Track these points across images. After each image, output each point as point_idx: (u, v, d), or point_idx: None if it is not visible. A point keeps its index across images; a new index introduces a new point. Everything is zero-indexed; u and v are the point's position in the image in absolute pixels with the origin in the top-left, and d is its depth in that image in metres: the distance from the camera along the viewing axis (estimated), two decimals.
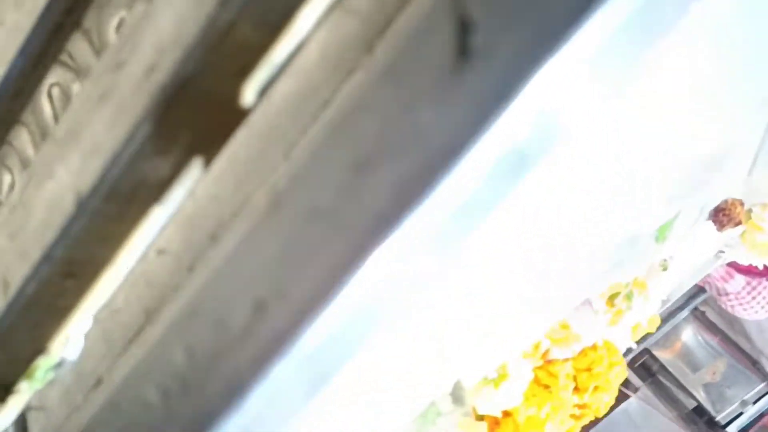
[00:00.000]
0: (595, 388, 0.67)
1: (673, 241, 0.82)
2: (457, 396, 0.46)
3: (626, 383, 2.41)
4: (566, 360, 0.66)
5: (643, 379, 2.51)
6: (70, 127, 0.22)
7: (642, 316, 0.86)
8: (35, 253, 0.22)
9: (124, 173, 0.21)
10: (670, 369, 2.57)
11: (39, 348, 0.26)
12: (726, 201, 0.94)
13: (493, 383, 0.59)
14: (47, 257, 0.22)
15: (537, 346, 0.64)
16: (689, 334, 2.56)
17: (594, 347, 0.68)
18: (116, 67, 0.21)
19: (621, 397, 2.38)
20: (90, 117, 0.22)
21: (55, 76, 0.24)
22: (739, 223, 0.95)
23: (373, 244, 0.15)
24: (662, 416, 2.47)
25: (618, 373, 0.69)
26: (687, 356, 2.59)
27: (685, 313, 2.47)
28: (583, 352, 0.68)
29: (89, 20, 0.25)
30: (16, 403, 0.28)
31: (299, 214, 0.16)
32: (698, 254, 1.19)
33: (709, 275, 2.18)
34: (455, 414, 0.46)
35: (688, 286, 1.35)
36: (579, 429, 0.84)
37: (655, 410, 2.46)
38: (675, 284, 1.27)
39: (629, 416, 2.43)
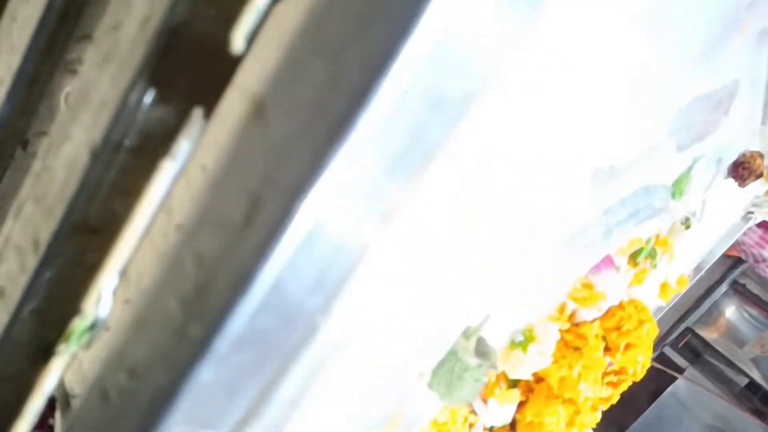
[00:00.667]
0: (627, 346, 0.66)
1: (693, 198, 0.81)
2: (481, 352, 0.46)
3: (672, 365, 2.36)
4: (594, 320, 0.66)
5: (689, 360, 2.45)
6: (80, 92, 0.24)
7: (669, 276, 0.85)
8: (59, 209, 0.24)
9: (131, 123, 0.23)
10: (716, 347, 2.50)
11: (73, 309, 0.28)
12: (744, 154, 0.93)
13: (521, 347, 0.60)
14: (70, 211, 0.24)
15: (562, 309, 0.64)
16: (732, 309, 2.49)
17: (621, 306, 0.68)
18: (114, 29, 0.23)
19: (667, 380, 2.33)
20: (96, 78, 0.24)
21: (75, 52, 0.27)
22: (760, 176, 0.94)
23: (347, 127, 0.16)
24: (714, 396, 2.39)
25: (649, 330, 0.68)
26: (732, 332, 2.52)
27: (725, 287, 2.41)
28: (609, 312, 0.68)
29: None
30: (57, 365, 0.30)
31: (280, 113, 0.17)
32: (725, 216, 1.17)
33: (743, 242, 2.12)
34: (483, 368, 0.46)
35: (720, 251, 1.32)
36: (618, 395, 0.83)
37: (705, 390, 2.39)
38: (706, 249, 1.24)
39: (678, 398, 2.37)
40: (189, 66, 0.23)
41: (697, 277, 1.39)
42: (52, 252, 0.25)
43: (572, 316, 0.66)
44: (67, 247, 0.26)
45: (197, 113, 0.25)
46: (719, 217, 1.17)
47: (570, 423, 0.63)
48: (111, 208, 0.26)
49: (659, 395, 2.34)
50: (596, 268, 0.63)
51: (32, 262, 0.25)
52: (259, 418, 0.26)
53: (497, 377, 0.63)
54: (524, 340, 0.59)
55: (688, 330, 2.49)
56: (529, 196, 0.37)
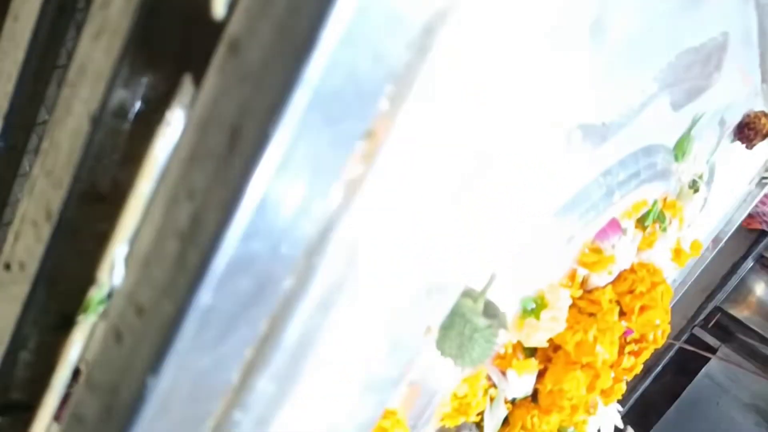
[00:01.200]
0: (642, 308, 0.66)
1: (698, 160, 0.81)
2: (489, 313, 0.47)
3: (704, 346, 2.31)
4: (606, 286, 0.67)
5: (721, 340, 2.40)
6: (77, 68, 0.26)
7: (682, 241, 0.84)
8: (67, 178, 0.26)
9: (126, 89, 0.25)
10: (748, 324, 2.45)
11: (89, 277, 0.30)
12: (748, 114, 0.93)
13: (534, 315, 0.60)
14: (77, 179, 0.26)
15: (573, 276, 0.65)
16: (761, 285, 2.45)
17: (632, 269, 0.68)
18: (104, 6, 0.25)
19: (701, 361, 2.29)
20: (91, 53, 0.26)
21: None
22: (767, 136, 0.93)
23: (311, 46, 0.18)
24: (750, 374, 2.34)
25: (663, 292, 0.68)
26: (763, 307, 2.47)
27: (750, 262, 2.37)
28: (621, 276, 0.68)
29: None
30: (79, 336, 0.31)
31: (252, 46, 0.19)
32: (737, 181, 1.16)
33: (764, 213, 2.09)
34: (492, 328, 0.47)
35: (738, 219, 1.30)
36: (641, 366, 0.83)
37: (740, 369, 2.34)
38: (721, 217, 1.23)
39: (713, 379, 2.33)
40: (176, 34, 0.25)
41: (717, 249, 1.38)
42: (64, 220, 0.27)
43: (584, 283, 0.66)
44: (78, 216, 0.27)
45: (187, 80, 0.27)
46: (731, 183, 1.16)
47: (590, 387, 0.63)
48: (116, 176, 0.28)
49: (693, 378, 2.30)
50: (603, 233, 0.63)
51: (46, 231, 0.27)
52: (266, 363, 0.28)
53: (514, 348, 0.64)
54: (536, 307, 0.59)
55: (717, 309, 2.45)
56: (517, 151, 0.38)
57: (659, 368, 2.44)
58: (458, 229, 0.36)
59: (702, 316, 2.45)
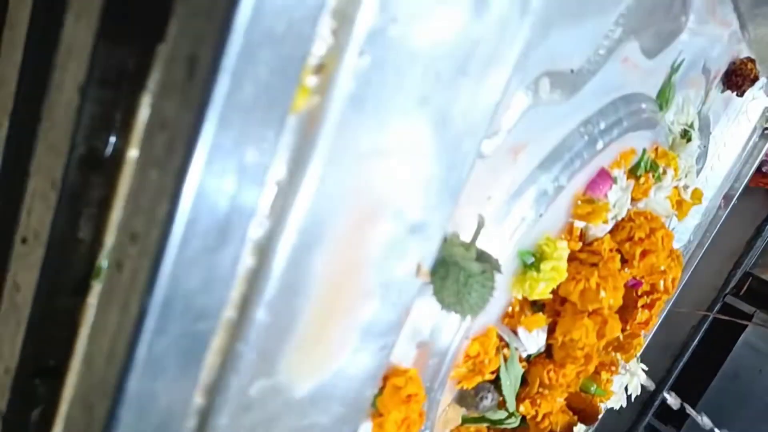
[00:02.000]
0: (642, 253, 0.67)
1: (685, 110, 0.82)
2: (482, 258, 0.49)
3: (738, 313, 2.27)
4: (605, 236, 0.68)
5: (755, 305, 2.35)
6: (65, 50, 0.30)
7: (682, 191, 0.85)
8: (65, 146, 0.30)
9: (107, 60, 0.29)
10: None
11: (98, 242, 0.33)
12: (734, 62, 0.94)
13: (534, 268, 0.62)
14: (74, 145, 0.30)
15: (571, 230, 0.66)
16: None
17: (629, 218, 0.69)
18: None
19: (738, 330, 2.24)
20: (75, 33, 0.29)
21: None
22: (755, 80, 0.94)
23: None
24: None
25: (663, 237, 0.69)
26: None
27: None
28: (619, 226, 0.69)
29: None
30: (94, 300, 0.34)
31: None
32: (737, 133, 1.16)
33: None
34: (487, 273, 0.49)
35: (746, 174, 1.30)
36: (656, 319, 0.83)
37: None
38: (727, 171, 1.23)
39: (752, 346, 2.28)
40: (150, 8, 0.29)
41: (731, 208, 1.37)
42: (68, 185, 0.30)
43: (583, 236, 0.68)
44: (80, 182, 0.31)
45: (162, 49, 0.30)
46: (731, 135, 1.16)
47: (600, 334, 0.64)
48: (109, 142, 0.31)
49: (732, 348, 2.26)
50: (594, 183, 0.65)
51: (53, 198, 0.31)
52: (260, 294, 0.31)
53: (521, 305, 0.65)
54: (535, 261, 0.61)
55: (748, 275, 2.40)
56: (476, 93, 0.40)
57: (696, 342, 2.39)
58: (430, 163, 0.38)
59: (732, 284, 2.41)
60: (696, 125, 0.85)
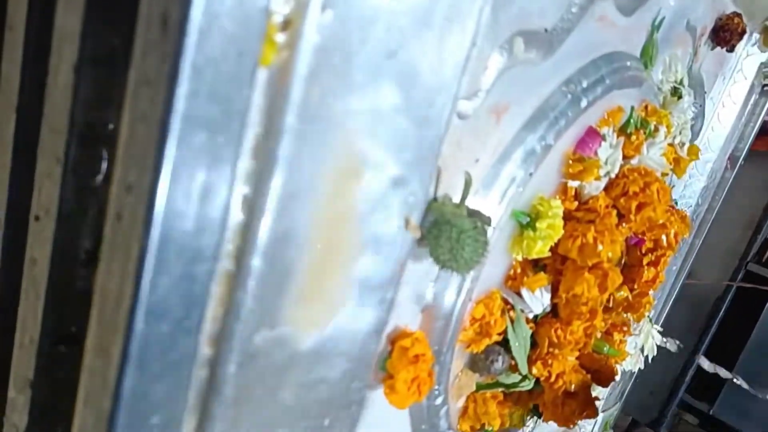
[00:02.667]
0: (638, 206, 0.68)
1: (672, 67, 0.84)
2: (473, 215, 0.51)
3: (762, 280, 2.24)
4: (600, 193, 0.69)
5: None
6: (59, 36, 0.33)
7: (677, 147, 0.86)
8: (64, 123, 0.33)
9: (96, 41, 0.32)
10: None
11: (103, 213, 0.36)
12: (720, 18, 0.94)
13: (529, 227, 0.63)
14: (73, 122, 0.33)
15: (564, 189, 0.68)
16: None
17: (623, 174, 0.71)
18: None
19: (762, 297, 2.21)
20: (66, 17, 0.32)
21: None
22: (743, 33, 0.94)
23: None
24: None
25: (659, 189, 0.70)
26: None
27: None
28: (613, 183, 0.71)
29: None
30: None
31: None
32: (735, 92, 1.16)
33: None
34: (478, 228, 0.50)
35: (749, 134, 1.29)
36: (662, 274, 0.84)
37: None
38: (729, 130, 1.22)
39: None
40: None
41: (743, 171, 1.36)
42: (71, 160, 0.33)
43: (578, 195, 0.69)
44: (82, 158, 0.34)
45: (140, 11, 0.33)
46: (728, 94, 1.16)
47: (602, 288, 0.65)
48: (104, 119, 0.34)
49: (759, 316, 2.23)
50: (583, 142, 0.66)
51: (58, 173, 0.34)
52: (252, 244, 0.33)
53: (522, 266, 0.67)
54: (530, 220, 0.63)
55: None
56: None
57: (722, 312, 2.37)
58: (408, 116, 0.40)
59: (753, 251, 2.38)
60: (686, 82, 0.86)
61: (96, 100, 0.33)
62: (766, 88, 1.28)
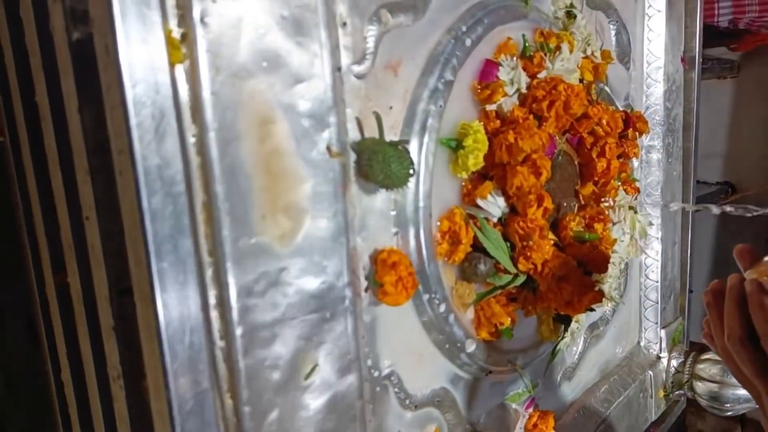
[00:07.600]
0: (549, 104, 0.82)
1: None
2: (393, 142, 0.67)
3: None
4: (514, 106, 0.84)
5: None
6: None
7: (592, 58, 0.99)
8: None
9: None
10: None
11: None
12: None
13: (461, 149, 0.78)
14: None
15: (484, 114, 0.83)
16: None
17: (531, 86, 0.85)
18: None
19: None
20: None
21: None
22: None
23: None
24: None
25: (566, 87, 0.83)
26: None
27: None
28: (525, 96, 0.85)
29: None
30: None
31: None
32: None
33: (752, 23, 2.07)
34: (399, 147, 0.67)
35: (695, 33, 1.37)
36: (617, 163, 0.95)
37: None
38: (662, 33, 1.31)
39: None
40: None
41: (696, 68, 1.43)
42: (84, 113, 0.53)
43: (500, 115, 0.84)
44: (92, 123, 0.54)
45: None
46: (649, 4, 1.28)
47: (536, 173, 0.78)
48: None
49: None
50: (484, 74, 0.82)
51: (84, 159, 0.54)
52: (211, 175, 0.51)
53: (471, 183, 0.81)
54: (458, 142, 0.78)
55: None
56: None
57: None
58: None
59: None
60: (582, 5, 1.01)
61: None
62: None
